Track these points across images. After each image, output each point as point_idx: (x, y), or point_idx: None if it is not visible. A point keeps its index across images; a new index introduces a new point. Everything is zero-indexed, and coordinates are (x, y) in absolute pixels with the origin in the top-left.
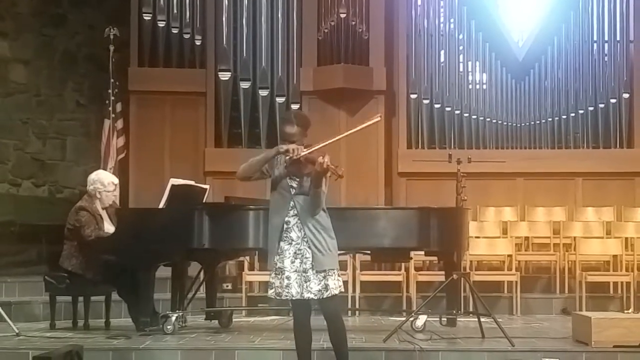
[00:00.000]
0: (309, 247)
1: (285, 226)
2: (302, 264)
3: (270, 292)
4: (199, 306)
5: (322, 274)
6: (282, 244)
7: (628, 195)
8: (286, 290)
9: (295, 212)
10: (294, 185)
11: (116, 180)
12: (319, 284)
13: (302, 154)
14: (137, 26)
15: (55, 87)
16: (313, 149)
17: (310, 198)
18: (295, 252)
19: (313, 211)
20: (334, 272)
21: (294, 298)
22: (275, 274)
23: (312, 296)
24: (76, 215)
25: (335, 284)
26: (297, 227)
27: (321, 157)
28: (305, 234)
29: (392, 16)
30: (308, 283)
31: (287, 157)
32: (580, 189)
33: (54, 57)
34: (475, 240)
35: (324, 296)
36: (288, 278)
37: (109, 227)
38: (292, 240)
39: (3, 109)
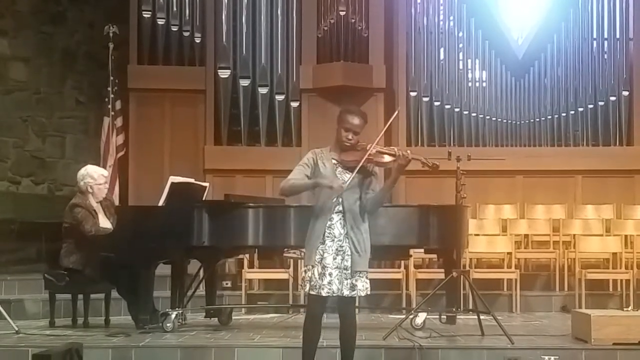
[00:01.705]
0: (350, 246)
1: (328, 222)
2: (344, 261)
3: (307, 289)
4: (199, 304)
5: (352, 274)
6: (326, 240)
7: (628, 192)
8: (328, 287)
9: (341, 209)
10: (345, 179)
11: (106, 173)
12: (349, 282)
13: (373, 149)
14: (136, 24)
15: (55, 85)
16: (373, 144)
17: (381, 193)
18: (337, 249)
19: (376, 208)
20: (364, 274)
21: (334, 294)
22: (314, 268)
23: (347, 293)
24: (71, 212)
25: (362, 286)
26: (340, 223)
27: (398, 149)
28: (347, 232)
29: (391, 14)
30: (347, 280)
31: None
32: (580, 187)
33: (53, 55)
34: (474, 237)
35: (350, 294)
36: (330, 275)
37: (104, 222)
38: (335, 236)
39: (2, 107)
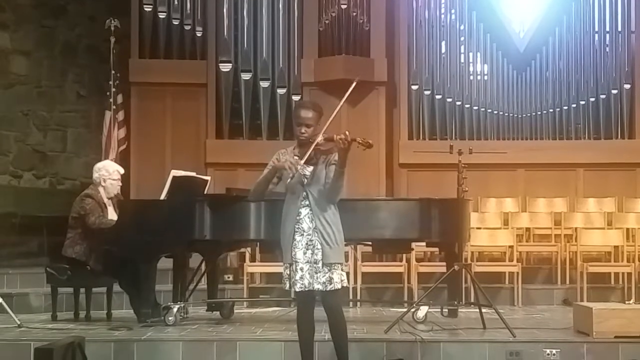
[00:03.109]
0: (319, 239)
1: (297, 217)
2: (314, 255)
3: (287, 287)
4: (201, 297)
5: (328, 267)
6: (295, 235)
7: (629, 186)
8: (300, 282)
9: (307, 202)
10: (307, 174)
11: (122, 170)
12: (324, 276)
13: (321, 139)
14: (137, 17)
15: (56, 79)
16: (319, 134)
17: (333, 181)
18: (307, 243)
19: (334, 197)
20: (339, 266)
21: (306, 289)
22: (291, 265)
23: (320, 287)
24: (81, 202)
25: (339, 278)
26: (309, 217)
27: (340, 134)
28: (315, 225)
29: (393, 7)
30: (318, 274)
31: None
32: (582, 180)
33: (54, 49)
34: (476, 231)
35: (327, 289)
36: (302, 269)
37: (113, 216)
38: (304, 231)
39: (4, 101)
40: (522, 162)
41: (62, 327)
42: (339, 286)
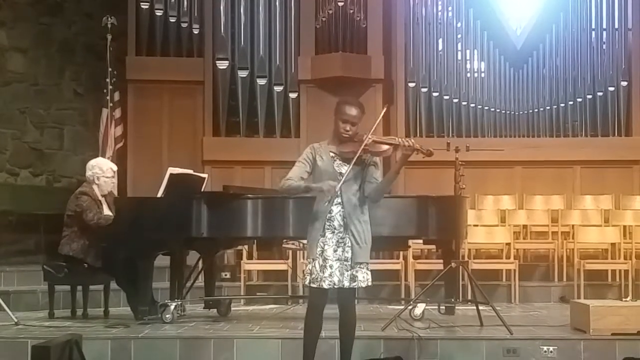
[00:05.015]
0: (350, 237)
1: (328, 214)
2: (344, 253)
3: (307, 282)
4: (198, 295)
5: (354, 265)
6: (326, 232)
7: (626, 183)
8: (329, 279)
9: (340, 200)
10: (342, 172)
11: (115, 167)
12: (349, 274)
13: (369, 139)
14: (134, 15)
15: (53, 77)
16: (369, 134)
17: (384, 183)
18: (337, 241)
19: (379, 197)
20: (365, 265)
21: (335, 287)
22: (315, 261)
23: (348, 284)
24: (77, 200)
25: (363, 277)
26: (340, 215)
27: (400, 139)
28: (347, 223)
29: (390, 4)
30: (347, 272)
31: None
32: (579, 177)
33: (51, 46)
34: (473, 228)
35: (350, 286)
36: (331, 267)
37: (107, 213)
38: (335, 228)
39: (1, 99)
40: (519, 159)
41: (59, 324)
42: (363, 285)
